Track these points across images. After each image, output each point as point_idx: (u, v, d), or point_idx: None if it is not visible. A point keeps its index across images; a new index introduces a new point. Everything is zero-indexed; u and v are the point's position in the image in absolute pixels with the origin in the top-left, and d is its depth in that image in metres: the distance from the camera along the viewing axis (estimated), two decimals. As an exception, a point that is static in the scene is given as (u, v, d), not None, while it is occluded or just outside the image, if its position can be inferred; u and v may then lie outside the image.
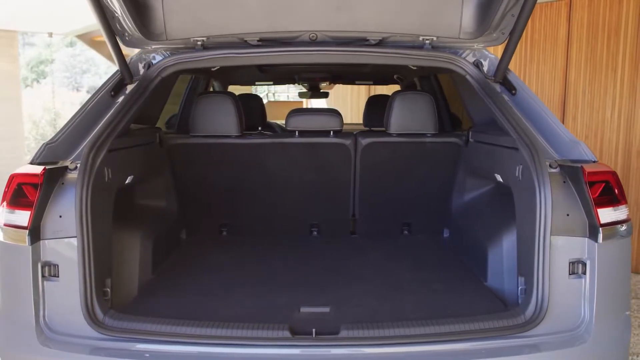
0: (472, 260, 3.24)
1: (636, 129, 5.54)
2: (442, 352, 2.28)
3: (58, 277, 2.37)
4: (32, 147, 15.84)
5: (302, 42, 2.99)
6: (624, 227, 2.41)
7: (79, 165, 2.43)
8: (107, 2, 2.65)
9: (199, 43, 2.96)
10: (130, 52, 3.16)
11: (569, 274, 2.38)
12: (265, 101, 5.70)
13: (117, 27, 2.82)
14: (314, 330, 2.29)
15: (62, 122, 17.00)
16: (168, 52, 3.04)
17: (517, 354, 2.28)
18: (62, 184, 2.43)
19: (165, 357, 2.27)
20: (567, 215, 2.39)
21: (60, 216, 2.39)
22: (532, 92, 2.89)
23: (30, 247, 2.33)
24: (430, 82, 4.74)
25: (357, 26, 2.94)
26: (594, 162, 2.48)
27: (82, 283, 2.33)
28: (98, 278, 2.40)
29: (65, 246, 2.37)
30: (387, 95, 3.98)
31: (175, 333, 2.28)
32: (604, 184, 2.39)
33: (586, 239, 2.38)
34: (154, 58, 3.03)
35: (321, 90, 6.41)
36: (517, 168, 2.62)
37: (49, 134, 16.59)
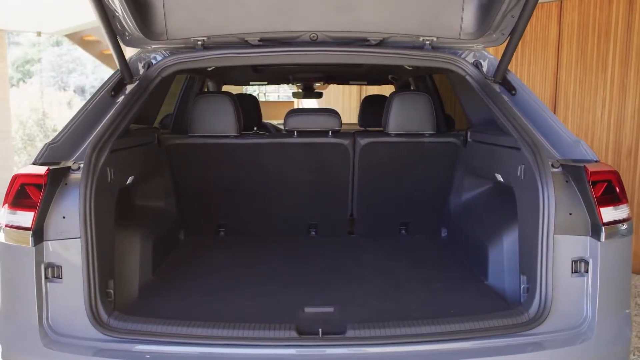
0: (472, 260, 3.25)
1: (626, 129, 5.60)
2: (448, 350, 2.30)
3: (61, 278, 2.35)
4: (19, 147, 15.65)
5: (303, 42, 2.99)
6: (624, 226, 2.44)
7: (82, 165, 2.41)
8: (108, 1, 2.63)
9: (199, 43, 2.95)
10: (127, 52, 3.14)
11: (572, 273, 2.41)
12: (257, 101, 5.67)
13: (117, 26, 2.80)
14: (320, 330, 2.29)
15: (50, 122, 16.89)
16: (168, 52, 3.03)
17: (521, 351, 2.31)
18: (66, 184, 2.41)
19: (173, 359, 2.25)
20: (570, 214, 2.42)
21: (64, 217, 2.36)
22: (532, 92, 2.92)
23: (33, 248, 2.31)
24: (426, 82, 4.76)
25: (358, 26, 2.95)
26: (596, 161, 2.51)
27: (86, 284, 2.31)
28: (102, 279, 2.38)
29: (69, 247, 2.35)
30: (383, 96, 3.99)
31: (183, 334, 2.27)
32: (606, 184, 2.42)
33: (588, 237, 2.41)
34: (154, 58, 3.01)
35: (315, 90, 6.41)
36: (519, 168, 2.64)
37: (36, 134, 16.40)
